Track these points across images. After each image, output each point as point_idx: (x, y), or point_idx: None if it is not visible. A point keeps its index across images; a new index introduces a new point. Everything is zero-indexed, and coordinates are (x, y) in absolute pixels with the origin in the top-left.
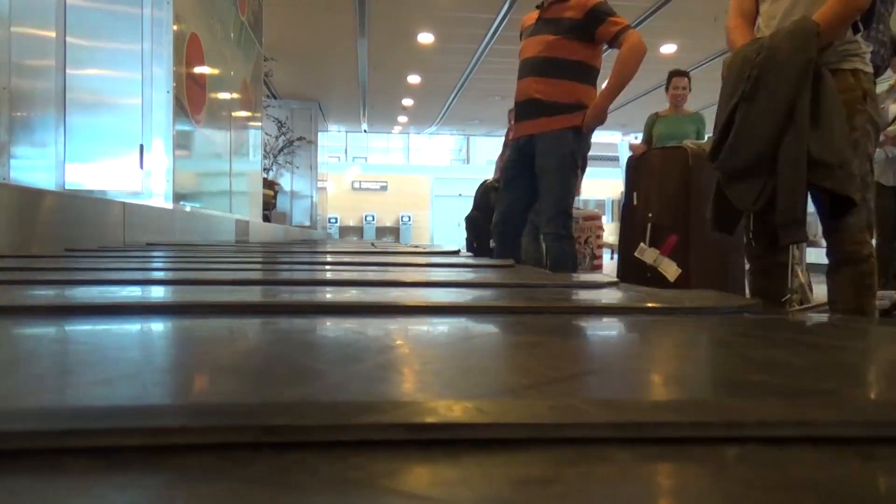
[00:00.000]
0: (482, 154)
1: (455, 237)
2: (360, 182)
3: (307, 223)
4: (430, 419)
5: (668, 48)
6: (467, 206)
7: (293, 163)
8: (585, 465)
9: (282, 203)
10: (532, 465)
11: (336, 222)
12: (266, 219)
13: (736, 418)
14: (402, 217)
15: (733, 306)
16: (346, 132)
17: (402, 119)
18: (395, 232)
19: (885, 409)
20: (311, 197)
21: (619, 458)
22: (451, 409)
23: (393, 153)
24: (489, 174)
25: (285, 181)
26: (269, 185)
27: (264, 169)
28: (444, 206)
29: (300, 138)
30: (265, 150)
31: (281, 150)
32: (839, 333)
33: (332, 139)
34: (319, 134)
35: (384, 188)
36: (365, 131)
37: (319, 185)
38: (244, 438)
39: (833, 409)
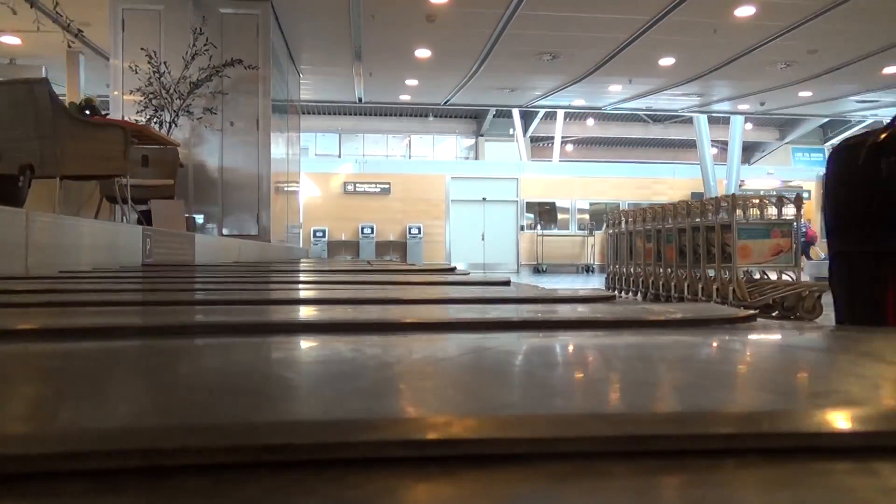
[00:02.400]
0: (494, 157)
1: (478, 255)
2: (354, 184)
3: (253, 231)
4: (427, 436)
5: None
6: (493, 214)
7: (222, 113)
8: (584, 479)
9: (204, 203)
10: (531, 481)
11: (323, 236)
12: (144, 220)
13: (734, 430)
14: (409, 229)
15: (727, 318)
16: (337, 121)
17: (422, 54)
18: (400, 248)
19: (883, 419)
20: (259, 178)
21: (618, 471)
22: (449, 426)
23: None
24: (515, 174)
25: (210, 150)
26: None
27: (154, 119)
28: (464, 215)
29: (234, 62)
30: (159, 82)
31: (196, 85)
32: (834, 343)
33: (324, 145)
34: (306, 137)
35: (386, 191)
36: (360, 100)
37: (292, 187)
38: (242, 458)
39: (830, 419)
